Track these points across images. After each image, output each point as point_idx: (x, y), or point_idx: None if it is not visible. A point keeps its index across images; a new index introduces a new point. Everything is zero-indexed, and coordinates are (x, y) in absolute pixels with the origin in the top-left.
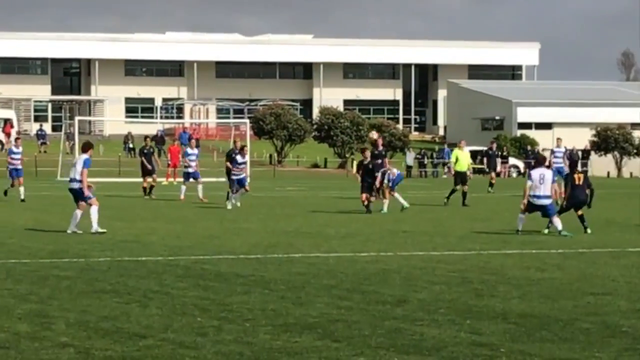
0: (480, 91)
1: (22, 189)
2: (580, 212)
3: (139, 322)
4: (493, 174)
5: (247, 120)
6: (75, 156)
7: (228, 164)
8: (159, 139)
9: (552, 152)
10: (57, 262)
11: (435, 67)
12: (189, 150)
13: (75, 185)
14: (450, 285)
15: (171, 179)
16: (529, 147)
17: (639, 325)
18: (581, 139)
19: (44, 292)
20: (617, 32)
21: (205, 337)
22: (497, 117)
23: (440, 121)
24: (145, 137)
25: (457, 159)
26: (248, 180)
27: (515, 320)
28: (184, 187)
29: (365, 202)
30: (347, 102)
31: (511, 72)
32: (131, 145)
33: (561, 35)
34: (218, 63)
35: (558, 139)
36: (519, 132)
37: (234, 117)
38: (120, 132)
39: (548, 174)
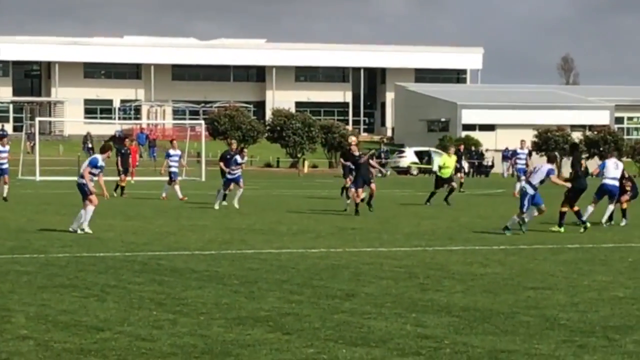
0: (426, 94)
1: (6, 187)
2: (576, 208)
3: (96, 316)
4: (461, 175)
5: (203, 122)
6: (35, 156)
7: (222, 164)
8: (117, 139)
9: (516, 153)
10: (18, 258)
11: (383, 71)
12: (172, 152)
13: (80, 181)
14: (397, 280)
15: (128, 178)
16: (473, 148)
17: (577, 318)
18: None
19: (5, 287)
20: (557, 38)
21: (160, 329)
22: (442, 119)
23: (388, 122)
24: (124, 137)
25: (444, 165)
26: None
27: (458, 314)
28: (168, 186)
29: (358, 200)
30: (298, 104)
31: (456, 76)
32: (90, 145)
33: (504, 41)
34: (174, 66)
35: (522, 140)
36: (463, 134)
37: (190, 118)
38: (79, 133)
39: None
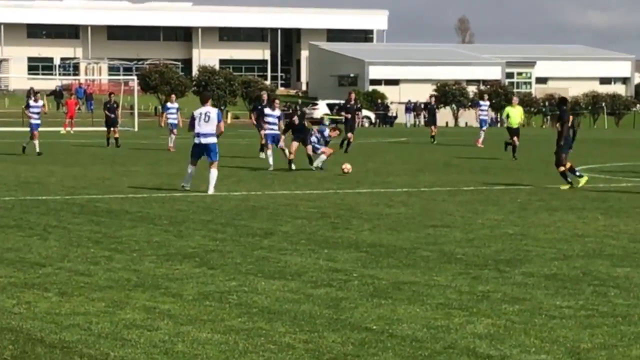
0: (337, 52)
1: (36, 142)
2: (569, 165)
3: (39, 253)
4: (433, 127)
5: (135, 77)
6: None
7: (254, 118)
8: (57, 94)
9: (479, 105)
10: None
11: (298, 31)
12: (169, 105)
13: (211, 140)
14: (311, 220)
15: (68, 128)
16: (379, 101)
17: (472, 252)
18: (424, 94)
19: None
20: (452, 1)
21: (97, 265)
22: (351, 75)
23: (303, 78)
24: (110, 93)
25: (508, 115)
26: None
27: (366, 249)
28: (173, 136)
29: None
30: (222, 62)
31: (364, 36)
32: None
33: (407, 4)
34: (109, 27)
35: (482, 94)
36: (370, 88)
37: (124, 74)
38: (23, 87)
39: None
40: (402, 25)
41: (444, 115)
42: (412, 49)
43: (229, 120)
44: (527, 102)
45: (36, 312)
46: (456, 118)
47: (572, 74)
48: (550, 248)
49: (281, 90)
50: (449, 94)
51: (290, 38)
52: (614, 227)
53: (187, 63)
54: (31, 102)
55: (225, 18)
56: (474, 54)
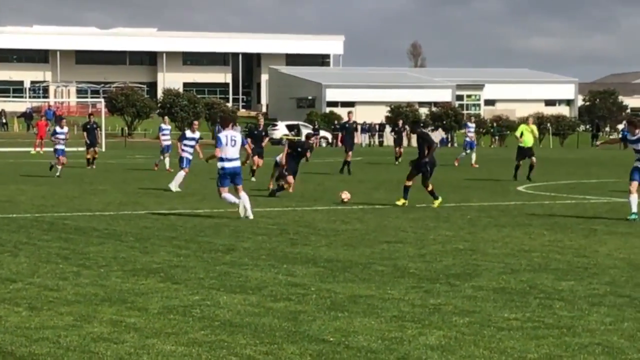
0: (295, 75)
1: (59, 167)
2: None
3: (10, 269)
4: (399, 149)
5: (102, 100)
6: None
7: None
8: (27, 115)
9: (466, 126)
10: None
11: (258, 56)
12: (163, 126)
13: (238, 164)
14: (271, 236)
15: (38, 149)
16: (336, 122)
17: (424, 267)
18: (378, 115)
19: None
20: (405, 27)
21: (66, 280)
22: (309, 97)
23: (263, 100)
24: (90, 114)
25: (522, 134)
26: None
27: (323, 264)
28: (167, 159)
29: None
30: (186, 85)
31: (321, 60)
32: (4, 120)
33: (361, 29)
34: (77, 52)
35: (470, 116)
36: (327, 109)
37: (91, 97)
38: None
39: None
40: (358, 50)
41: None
42: (367, 72)
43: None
44: (477, 123)
45: (7, 326)
46: (409, 138)
47: (518, 96)
48: (498, 262)
49: (242, 111)
50: (401, 115)
51: (251, 62)
52: (559, 243)
53: (152, 86)
54: (57, 129)
55: (189, 43)
56: (425, 77)
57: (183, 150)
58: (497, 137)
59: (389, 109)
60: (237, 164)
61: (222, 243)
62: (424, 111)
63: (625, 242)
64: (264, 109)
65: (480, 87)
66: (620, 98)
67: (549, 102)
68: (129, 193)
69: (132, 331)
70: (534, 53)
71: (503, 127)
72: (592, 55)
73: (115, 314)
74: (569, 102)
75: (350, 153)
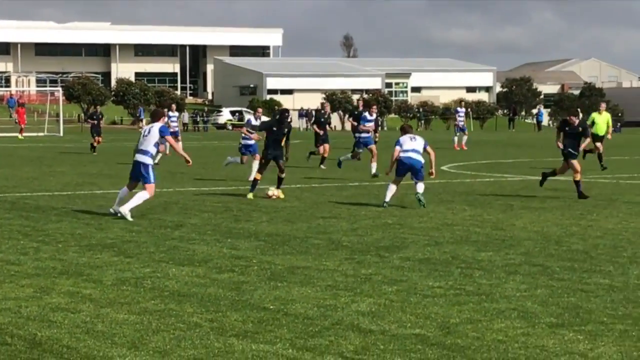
0: (238, 65)
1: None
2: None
3: None
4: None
5: (60, 89)
6: None
7: (353, 122)
8: None
9: (457, 111)
10: None
11: (204, 47)
12: (170, 113)
13: (143, 158)
14: (216, 213)
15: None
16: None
17: (356, 240)
18: (315, 102)
19: None
20: (339, 20)
21: (26, 255)
22: (251, 85)
23: (209, 88)
24: (95, 105)
25: (593, 122)
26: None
27: (264, 239)
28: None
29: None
30: (137, 74)
31: (262, 51)
32: None
33: (298, 23)
34: (37, 44)
35: (461, 101)
36: (268, 97)
37: (50, 86)
38: None
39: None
40: (295, 42)
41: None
42: (304, 62)
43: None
44: (404, 108)
45: None
46: (343, 122)
47: (442, 83)
48: (423, 235)
49: (190, 99)
50: (336, 101)
51: (198, 53)
52: (478, 217)
53: (106, 76)
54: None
55: (140, 36)
56: (357, 67)
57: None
58: (423, 121)
59: (324, 96)
60: (142, 157)
61: (171, 220)
62: (356, 97)
63: (538, 216)
64: (209, 97)
65: (407, 75)
66: (535, 85)
67: (470, 89)
68: (84, 174)
69: (88, 301)
70: (454, 44)
71: (428, 112)
72: (507, 45)
73: (72, 285)
74: (488, 89)
75: (327, 146)
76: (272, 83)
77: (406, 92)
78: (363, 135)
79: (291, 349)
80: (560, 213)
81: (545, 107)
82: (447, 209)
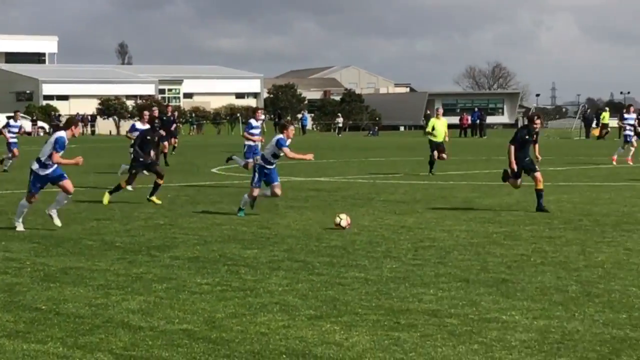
0: (14, 72)
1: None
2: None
3: None
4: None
5: None
6: None
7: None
8: None
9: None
10: None
11: None
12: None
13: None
14: None
15: None
16: (53, 113)
17: (128, 241)
18: (91, 108)
19: None
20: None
21: None
22: (27, 91)
23: None
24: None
25: (433, 128)
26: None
27: (38, 241)
28: None
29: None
30: None
31: (37, 58)
32: None
33: (73, 30)
34: None
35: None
36: (44, 102)
37: None
38: None
39: None
40: (71, 49)
41: (108, 126)
42: (80, 69)
43: None
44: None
45: None
46: (118, 128)
47: (212, 89)
48: (193, 235)
49: None
50: (111, 107)
51: None
52: (246, 217)
53: None
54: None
55: None
56: (131, 73)
57: None
58: (195, 126)
59: (99, 101)
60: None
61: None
62: (130, 103)
63: (301, 215)
64: None
65: (179, 82)
66: (299, 91)
67: (239, 95)
68: None
69: None
70: (223, 51)
71: (200, 117)
72: (273, 53)
73: None
74: (255, 95)
75: (165, 144)
76: (48, 89)
77: (179, 97)
78: (249, 143)
79: (62, 348)
80: (322, 212)
81: (309, 112)
82: (215, 209)
